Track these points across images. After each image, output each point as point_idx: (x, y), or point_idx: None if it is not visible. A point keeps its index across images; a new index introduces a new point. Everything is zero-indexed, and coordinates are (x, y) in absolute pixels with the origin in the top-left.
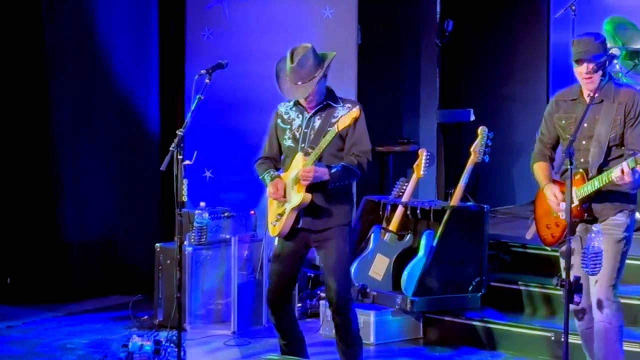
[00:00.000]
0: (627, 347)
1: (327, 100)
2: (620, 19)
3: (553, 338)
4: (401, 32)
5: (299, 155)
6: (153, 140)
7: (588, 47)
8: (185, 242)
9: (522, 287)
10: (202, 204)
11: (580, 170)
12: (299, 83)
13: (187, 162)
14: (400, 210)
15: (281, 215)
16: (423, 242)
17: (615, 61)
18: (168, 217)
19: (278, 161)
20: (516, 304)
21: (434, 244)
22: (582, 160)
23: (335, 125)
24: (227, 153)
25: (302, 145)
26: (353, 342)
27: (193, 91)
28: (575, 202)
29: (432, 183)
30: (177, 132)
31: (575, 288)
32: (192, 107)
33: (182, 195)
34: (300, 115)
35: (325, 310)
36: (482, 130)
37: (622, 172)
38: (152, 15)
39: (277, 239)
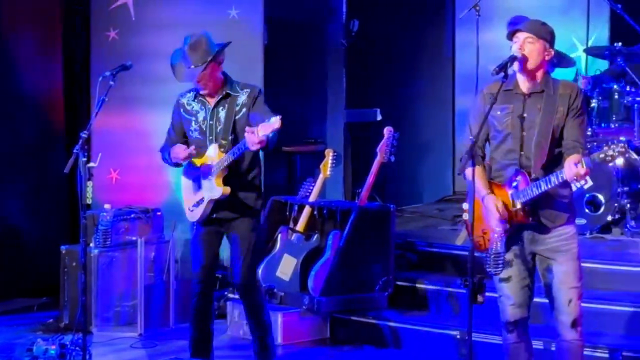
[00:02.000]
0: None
1: (225, 90)
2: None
3: (458, 337)
4: (307, 32)
5: (214, 147)
6: (58, 142)
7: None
8: (91, 245)
9: (428, 287)
10: (107, 206)
11: (522, 170)
12: (191, 67)
13: (91, 164)
14: (307, 210)
15: (198, 203)
16: (330, 242)
17: None
18: (74, 219)
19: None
20: (422, 303)
21: (341, 244)
22: (522, 153)
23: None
24: (133, 154)
25: (211, 137)
26: (265, 327)
27: (97, 92)
28: (518, 206)
29: (340, 183)
30: (80, 134)
31: (479, 288)
32: (96, 109)
33: (87, 197)
34: (203, 107)
35: (232, 311)
36: (388, 130)
37: (579, 170)
38: (56, 14)
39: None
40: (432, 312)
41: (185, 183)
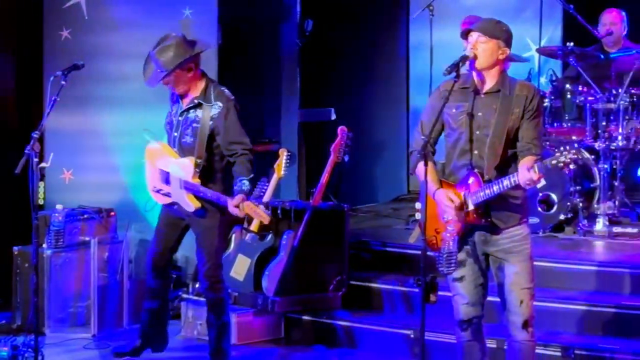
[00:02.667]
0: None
1: (199, 98)
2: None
3: (412, 336)
4: (262, 32)
5: (190, 160)
6: (11, 142)
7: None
8: (44, 245)
9: (382, 286)
10: (59, 206)
11: (475, 170)
12: (158, 71)
13: (43, 164)
14: None
15: (164, 194)
16: (284, 242)
17: None
18: (26, 220)
19: None
20: (376, 302)
21: (295, 244)
22: (476, 152)
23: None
24: (86, 153)
25: (175, 134)
26: (224, 327)
27: (49, 92)
28: (471, 207)
29: (294, 183)
30: (32, 134)
31: (431, 287)
32: (48, 109)
33: (39, 198)
34: (177, 104)
35: (186, 312)
36: (341, 130)
37: (532, 175)
38: (8, 13)
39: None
40: (386, 312)
41: (150, 159)
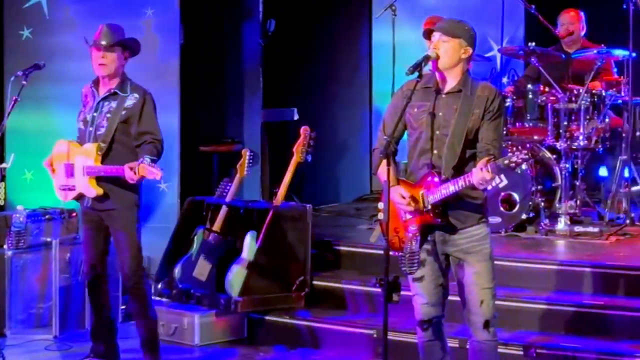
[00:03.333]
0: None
1: (116, 88)
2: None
3: (375, 336)
4: (224, 31)
5: (93, 146)
6: None
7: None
8: (4, 247)
9: (345, 286)
10: (20, 207)
11: (433, 170)
12: (102, 42)
13: (4, 165)
14: (223, 210)
15: (70, 188)
16: (246, 242)
17: None
18: None
19: None
20: (339, 302)
21: (258, 244)
22: (435, 152)
23: None
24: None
25: (90, 129)
26: (151, 316)
27: (9, 92)
28: (428, 206)
29: (257, 183)
30: None
31: (394, 287)
32: (9, 109)
33: None
34: (92, 98)
35: None
36: (304, 130)
37: (485, 175)
38: None
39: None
40: (350, 311)
41: (57, 160)
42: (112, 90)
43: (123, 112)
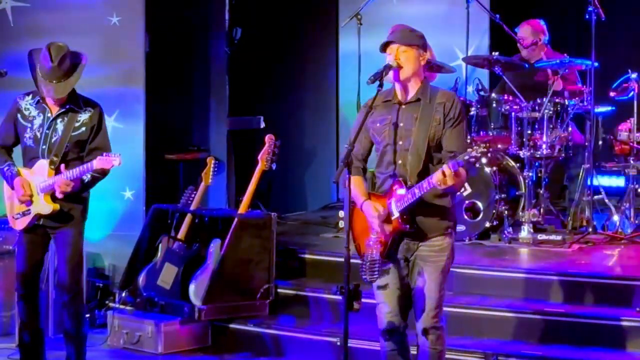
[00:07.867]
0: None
1: (70, 103)
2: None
3: (339, 343)
4: (190, 39)
5: (44, 163)
6: None
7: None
8: None
9: (309, 294)
10: None
11: (399, 178)
12: (54, 82)
13: None
14: (188, 218)
15: (24, 214)
16: (211, 250)
17: None
18: None
19: (12, 151)
20: (303, 310)
21: (222, 252)
22: (400, 162)
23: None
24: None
25: (44, 147)
26: (82, 339)
27: None
28: (396, 214)
29: (222, 191)
30: None
31: (354, 295)
32: None
33: None
34: (41, 115)
35: (112, 321)
36: (269, 138)
37: (444, 174)
38: None
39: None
40: (314, 319)
41: (9, 190)
42: (67, 107)
43: (78, 127)
